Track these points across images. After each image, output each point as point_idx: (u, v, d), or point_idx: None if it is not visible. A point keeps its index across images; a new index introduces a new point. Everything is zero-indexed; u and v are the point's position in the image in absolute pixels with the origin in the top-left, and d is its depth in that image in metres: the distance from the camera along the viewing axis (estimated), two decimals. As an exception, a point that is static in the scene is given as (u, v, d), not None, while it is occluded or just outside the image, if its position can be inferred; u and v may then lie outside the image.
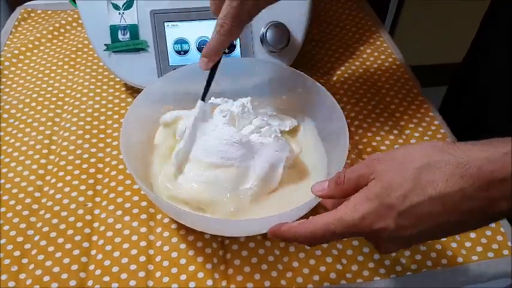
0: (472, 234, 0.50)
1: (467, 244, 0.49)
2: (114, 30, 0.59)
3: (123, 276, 0.46)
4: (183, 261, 0.47)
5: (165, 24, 0.60)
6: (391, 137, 0.60)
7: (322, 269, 0.47)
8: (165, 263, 0.47)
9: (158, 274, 0.46)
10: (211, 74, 0.50)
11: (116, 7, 0.59)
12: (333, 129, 0.50)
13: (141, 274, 0.46)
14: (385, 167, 0.34)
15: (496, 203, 0.31)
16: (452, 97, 0.77)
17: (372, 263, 0.48)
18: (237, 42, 0.62)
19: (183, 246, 0.48)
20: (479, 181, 0.30)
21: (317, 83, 0.53)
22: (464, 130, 0.61)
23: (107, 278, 0.46)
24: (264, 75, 0.57)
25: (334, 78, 0.69)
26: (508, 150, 0.30)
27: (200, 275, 0.46)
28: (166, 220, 0.51)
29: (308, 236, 0.36)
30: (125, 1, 0.59)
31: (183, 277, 0.46)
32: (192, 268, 0.47)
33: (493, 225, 0.51)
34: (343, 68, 0.71)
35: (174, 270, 0.47)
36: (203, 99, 0.50)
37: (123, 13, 0.59)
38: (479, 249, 0.49)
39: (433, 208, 0.32)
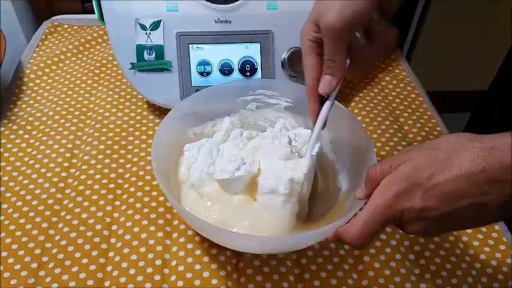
0: (475, 242, 0.52)
1: (471, 251, 0.51)
2: (140, 49, 0.61)
3: (139, 278, 0.47)
4: (197, 266, 0.48)
5: (190, 46, 0.61)
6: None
7: (333, 282, 0.48)
8: (180, 268, 0.48)
9: (173, 278, 0.47)
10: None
11: (143, 27, 0.60)
12: (356, 150, 0.50)
13: (157, 277, 0.47)
14: (414, 154, 0.36)
15: None
16: (475, 125, 0.77)
17: (382, 278, 0.48)
18: (259, 66, 0.63)
19: (198, 252, 0.50)
20: (501, 164, 0.32)
21: (341, 105, 0.52)
22: None
23: (123, 279, 0.47)
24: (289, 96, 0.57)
25: (353, 104, 0.69)
26: None
27: (214, 281, 0.47)
28: (182, 226, 0.52)
29: (356, 238, 0.37)
30: (152, 22, 0.60)
31: (197, 282, 0.47)
32: (206, 274, 0.48)
33: (495, 235, 0.52)
34: (361, 95, 0.71)
35: (189, 275, 0.48)
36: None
37: (149, 33, 0.60)
38: (482, 257, 0.50)
39: (458, 186, 0.33)
